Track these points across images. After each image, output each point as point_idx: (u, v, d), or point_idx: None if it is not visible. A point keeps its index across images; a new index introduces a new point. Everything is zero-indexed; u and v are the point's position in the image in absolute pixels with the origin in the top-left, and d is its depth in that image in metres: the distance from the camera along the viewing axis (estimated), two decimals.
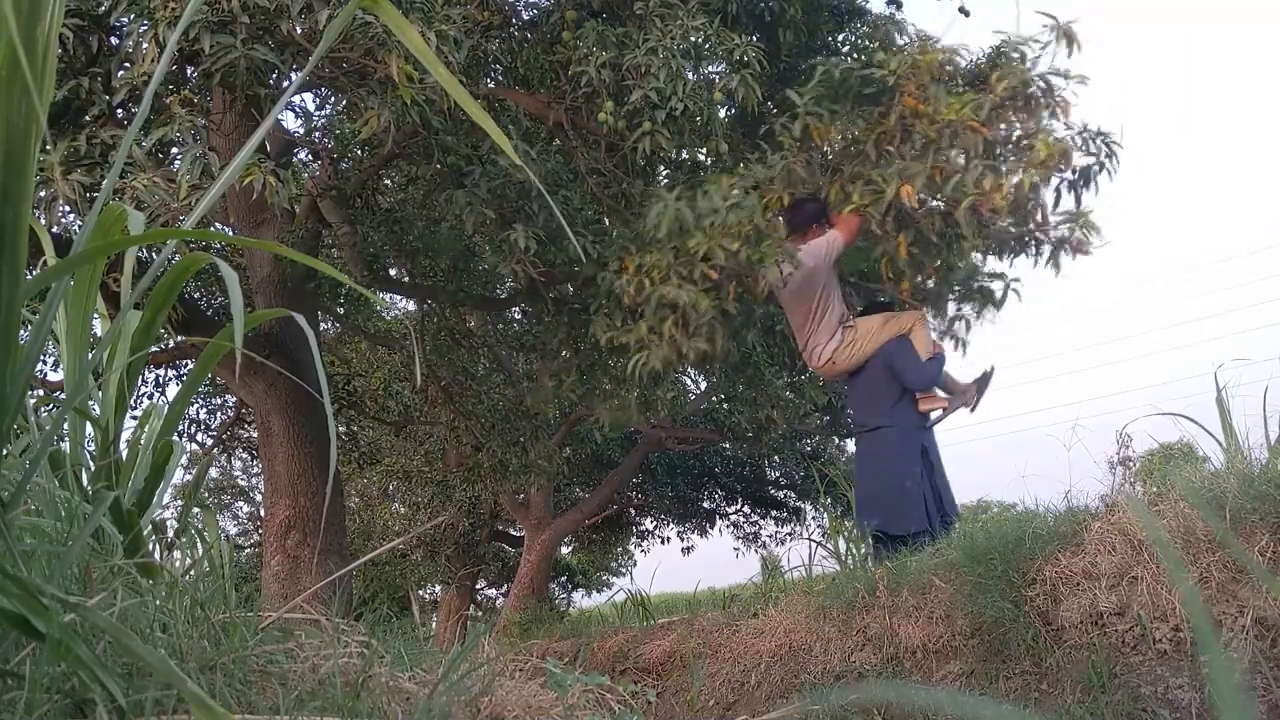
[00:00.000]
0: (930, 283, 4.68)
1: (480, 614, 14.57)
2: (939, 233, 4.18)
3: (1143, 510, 2.81)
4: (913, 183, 3.96)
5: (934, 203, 4.23)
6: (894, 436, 4.35)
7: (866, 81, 4.20)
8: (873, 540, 3.91)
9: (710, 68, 4.74)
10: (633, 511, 14.59)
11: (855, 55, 4.85)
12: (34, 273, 1.24)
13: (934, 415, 4.48)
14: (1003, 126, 4.11)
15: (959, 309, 4.84)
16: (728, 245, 4.03)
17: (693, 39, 4.28)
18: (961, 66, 4.28)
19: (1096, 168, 4.21)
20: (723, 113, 4.79)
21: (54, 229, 3.82)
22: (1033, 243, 4.36)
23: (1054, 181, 4.22)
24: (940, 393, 4.51)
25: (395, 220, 6.05)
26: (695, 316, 4.08)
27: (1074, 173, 4.22)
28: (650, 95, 4.19)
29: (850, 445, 11.54)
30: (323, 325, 8.91)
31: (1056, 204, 4.26)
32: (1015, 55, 4.15)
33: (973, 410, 4.57)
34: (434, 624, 12.93)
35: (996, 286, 4.75)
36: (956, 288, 4.79)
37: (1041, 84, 4.07)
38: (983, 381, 4.57)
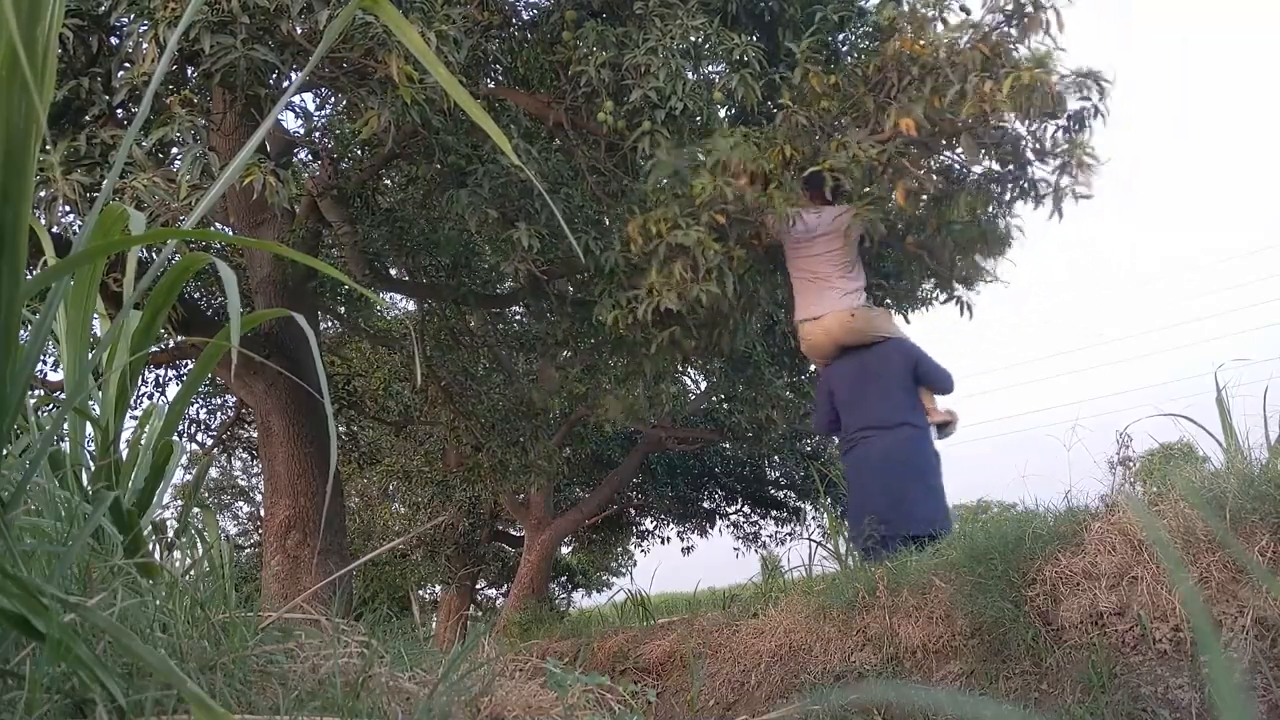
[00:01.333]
0: (934, 234, 4.72)
1: (480, 614, 14.57)
2: (939, 174, 4.25)
3: (1143, 510, 2.82)
4: (911, 114, 4.01)
5: (933, 136, 4.30)
6: (920, 436, 4.30)
7: (862, 33, 4.31)
8: (880, 541, 3.87)
9: (710, 67, 4.74)
10: (633, 511, 14.58)
11: (856, 56, 4.86)
12: (34, 273, 1.24)
13: (940, 431, 4.47)
14: (998, 48, 4.16)
15: (964, 256, 4.83)
16: (734, 183, 4.08)
17: (692, 39, 4.29)
18: (950, 25, 4.35)
19: (1090, 111, 4.25)
20: (722, 112, 4.79)
21: (54, 229, 3.82)
22: (1031, 190, 4.43)
23: (1050, 129, 4.29)
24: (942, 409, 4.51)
25: (395, 220, 6.05)
26: (704, 261, 4.13)
27: (1068, 119, 4.26)
28: (650, 95, 4.20)
29: None
30: (323, 325, 8.91)
31: (1054, 149, 4.33)
32: None
33: (939, 436, 4.59)
34: (434, 624, 12.94)
35: (1000, 224, 4.77)
36: (959, 244, 4.78)
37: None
38: (951, 423, 4.57)
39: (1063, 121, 4.25)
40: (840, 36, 5.51)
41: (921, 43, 4.12)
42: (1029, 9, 4.10)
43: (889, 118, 4.06)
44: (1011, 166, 4.44)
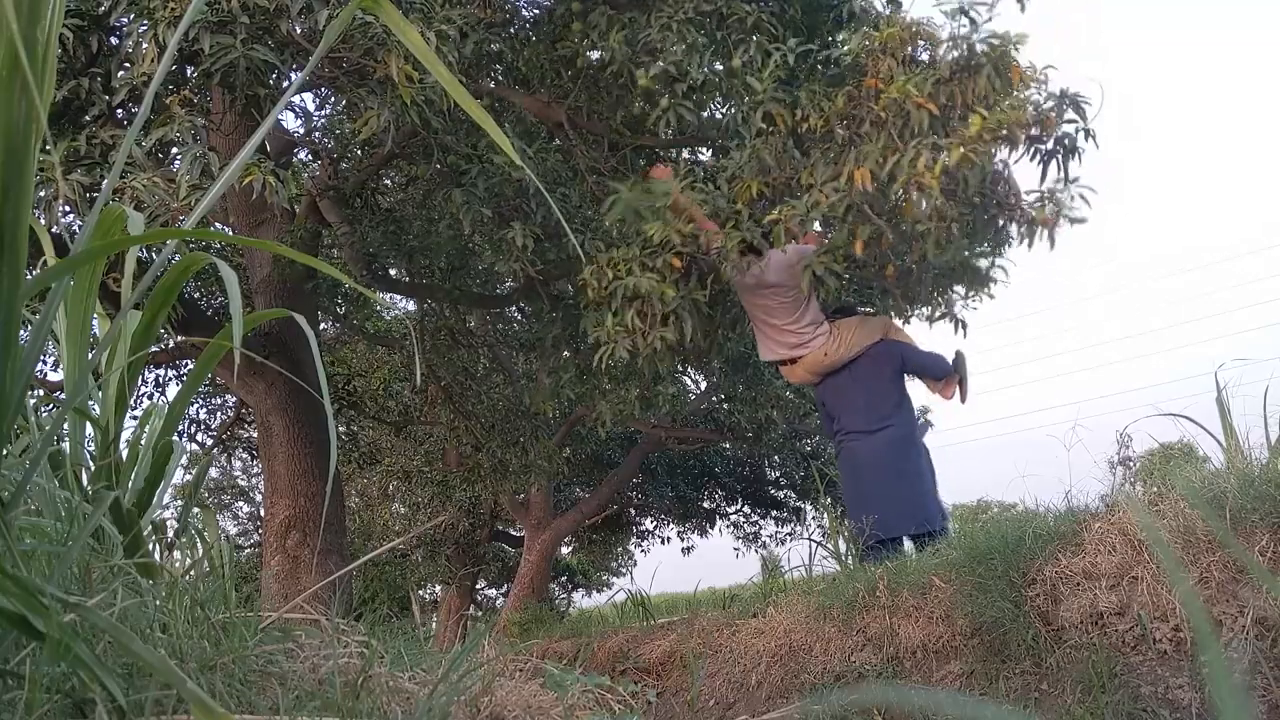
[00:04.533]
0: (913, 267, 4.62)
1: (480, 614, 14.57)
2: (897, 228, 4.08)
3: (1142, 511, 2.82)
4: (865, 165, 3.82)
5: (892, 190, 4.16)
6: (906, 435, 4.34)
7: (827, 63, 4.14)
8: (877, 541, 3.89)
9: (728, 37, 4.64)
10: (633, 511, 14.58)
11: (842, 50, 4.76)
12: (34, 273, 1.24)
13: (957, 396, 4.47)
14: (951, 102, 3.89)
15: (946, 292, 4.76)
16: (683, 229, 4.01)
17: (706, 9, 4.19)
18: (935, 46, 4.13)
19: (1080, 134, 4.02)
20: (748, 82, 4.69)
21: (54, 229, 3.82)
22: (1005, 226, 4.25)
23: (1034, 155, 4.05)
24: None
25: (395, 220, 6.05)
26: (660, 306, 4.06)
27: (1054, 143, 4.02)
28: (670, 69, 4.12)
29: None
30: (322, 325, 8.92)
31: (1043, 177, 4.16)
32: (957, 24, 3.95)
33: (964, 400, 4.57)
34: (434, 624, 12.94)
35: (983, 264, 4.68)
36: (941, 275, 4.71)
37: (984, 47, 3.88)
38: (959, 365, 4.54)
39: (1050, 145, 4.02)
40: (840, 36, 5.49)
41: (885, 84, 3.93)
42: (975, 61, 3.85)
43: (846, 165, 3.86)
44: (986, 209, 4.26)
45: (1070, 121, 4.00)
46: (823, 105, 4.10)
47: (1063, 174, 4.08)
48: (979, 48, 3.89)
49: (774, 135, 4.18)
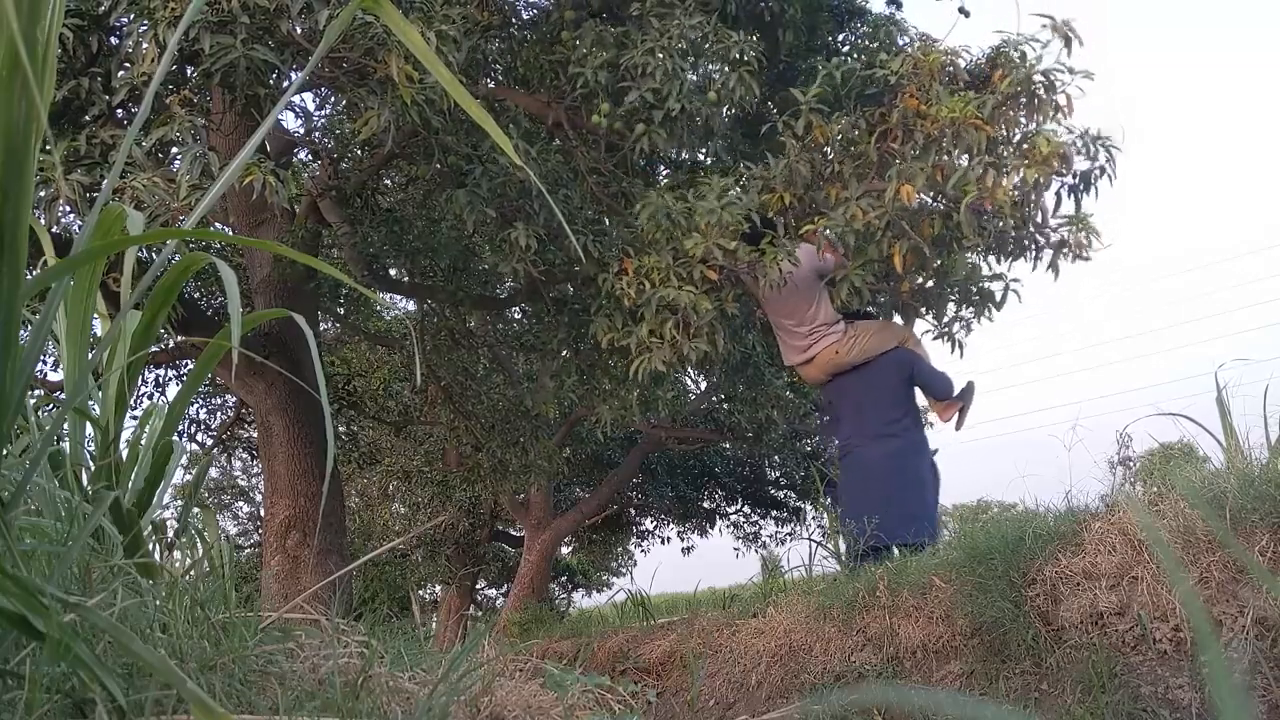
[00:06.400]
0: (929, 284, 4.67)
1: (480, 614, 14.57)
2: (935, 239, 4.14)
3: (1142, 511, 2.82)
4: (913, 182, 3.90)
5: (933, 204, 4.21)
6: (914, 445, 4.37)
7: (868, 82, 4.21)
8: (871, 547, 3.88)
9: (710, 65, 4.71)
10: (633, 511, 14.58)
11: (856, 55, 4.81)
12: (34, 273, 1.24)
13: (954, 422, 4.51)
14: (1004, 126, 4.07)
15: (958, 310, 4.82)
16: (724, 244, 4.04)
17: (691, 37, 4.24)
18: (963, 68, 4.25)
19: (1097, 172, 4.16)
20: (724, 112, 4.77)
21: (54, 229, 3.82)
22: (1032, 246, 4.34)
23: (1054, 185, 4.17)
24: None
25: (395, 220, 6.04)
26: (696, 318, 4.09)
27: (1074, 177, 4.17)
28: (647, 96, 4.18)
29: None
30: (322, 325, 8.91)
31: (1057, 208, 4.24)
32: (1016, 54, 4.11)
33: (959, 428, 4.59)
34: (434, 624, 12.93)
35: (996, 287, 4.73)
36: (955, 291, 4.76)
37: (1044, 80, 4.03)
38: (966, 394, 4.57)
39: (1069, 179, 4.16)
40: (840, 37, 5.49)
41: (925, 105, 3.98)
42: (1040, 91, 3.99)
43: (890, 180, 3.94)
44: (1013, 227, 4.36)
45: (1091, 159, 4.12)
46: (861, 123, 4.19)
47: (1077, 207, 4.19)
48: (1036, 78, 4.01)
49: (810, 147, 4.24)
